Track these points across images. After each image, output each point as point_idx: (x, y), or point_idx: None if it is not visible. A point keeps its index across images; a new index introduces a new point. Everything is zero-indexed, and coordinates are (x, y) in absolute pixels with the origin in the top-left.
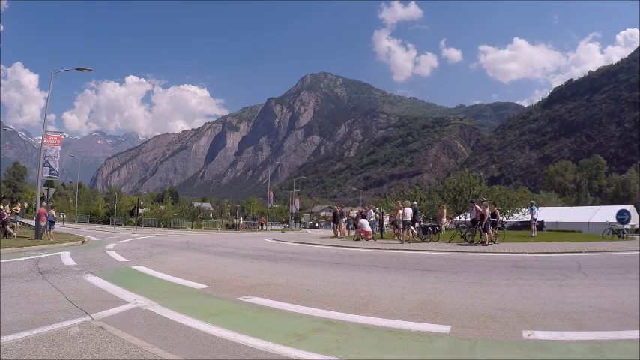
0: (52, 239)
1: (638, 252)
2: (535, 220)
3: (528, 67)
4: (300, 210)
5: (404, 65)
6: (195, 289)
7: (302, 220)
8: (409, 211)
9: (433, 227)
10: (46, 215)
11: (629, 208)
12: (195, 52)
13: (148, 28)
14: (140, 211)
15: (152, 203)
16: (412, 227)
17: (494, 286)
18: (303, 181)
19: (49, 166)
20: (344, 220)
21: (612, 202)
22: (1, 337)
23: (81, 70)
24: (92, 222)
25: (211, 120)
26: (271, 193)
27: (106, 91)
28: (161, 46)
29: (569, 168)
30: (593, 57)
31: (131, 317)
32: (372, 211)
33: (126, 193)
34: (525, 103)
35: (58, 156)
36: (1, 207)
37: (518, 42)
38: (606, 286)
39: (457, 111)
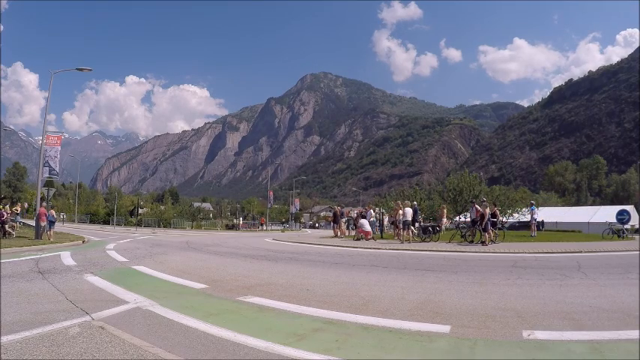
0: (52, 239)
1: (638, 252)
2: (535, 220)
3: (528, 67)
4: (300, 210)
5: (404, 65)
6: (195, 289)
7: (302, 220)
8: (409, 211)
9: (433, 227)
10: (46, 215)
11: (629, 208)
12: (195, 52)
13: (148, 28)
14: (140, 211)
15: (152, 203)
16: (412, 227)
17: (494, 286)
18: (303, 181)
19: (49, 166)
20: (344, 220)
21: (612, 202)
22: (1, 337)
23: (81, 70)
24: (92, 222)
25: (211, 120)
26: (271, 193)
27: (106, 91)
28: (161, 46)
29: (569, 168)
30: (593, 57)
31: (131, 317)
32: (372, 211)
33: (126, 193)
34: (525, 103)
35: (58, 156)
36: (1, 207)
37: (518, 42)
38: (606, 286)
39: (457, 111)
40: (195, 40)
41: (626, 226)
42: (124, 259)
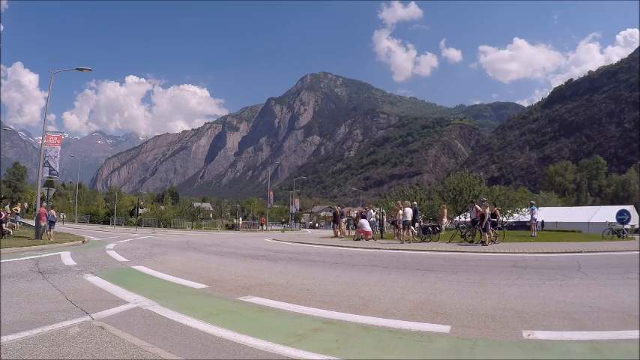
0: (52, 239)
1: (638, 252)
2: (535, 220)
3: (528, 67)
4: (300, 210)
5: (404, 65)
6: (195, 289)
7: (302, 220)
8: (409, 211)
9: (433, 227)
10: (46, 215)
11: (629, 208)
12: (195, 52)
13: (148, 28)
14: (140, 211)
15: (152, 203)
16: (412, 227)
17: (494, 286)
18: (303, 181)
19: (49, 166)
20: (344, 220)
21: (612, 202)
22: (1, 337)
23: (81, 70)
24: (92, 222)
25: (211, 120)
26: (271, 193)
27: (106, 91)
28: (161, 46)
29: (569, 168)
30: (593, 57)
31: (131, 317)
32: (372, 211)
33: (126, 193)
34: (525, 103)
35: (58, 156)
36: (0, 206)
37: (518, 42)
38: (606, 286)
39: (457, 111)
40: (195, 40)
41: (626, 226)
42: (124, 259)
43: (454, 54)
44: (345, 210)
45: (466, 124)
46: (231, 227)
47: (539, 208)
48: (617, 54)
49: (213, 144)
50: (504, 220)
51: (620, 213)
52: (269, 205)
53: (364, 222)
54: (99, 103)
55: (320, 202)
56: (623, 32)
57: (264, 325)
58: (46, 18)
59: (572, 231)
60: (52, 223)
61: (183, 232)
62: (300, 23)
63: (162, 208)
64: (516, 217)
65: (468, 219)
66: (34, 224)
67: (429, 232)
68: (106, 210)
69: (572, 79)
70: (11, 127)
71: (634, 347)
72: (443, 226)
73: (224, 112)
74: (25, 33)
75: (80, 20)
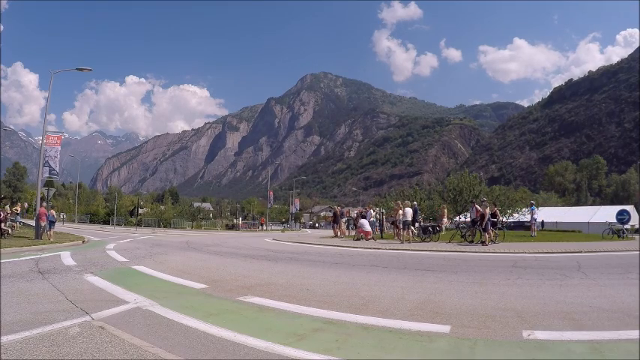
0: (52, 239)
1: (638, 252)
2: (535, 220)
3: (528, 67)
4: (300, 210)
5: (404, 65)
6: (195, 289)
7: (302, 220)
8: (409, 211)
9: (433, 227)
10: (46, 215)
11: (629, 208)
12: (195, 52)
13: (148, 28)
14: (140, 211)
15: (152, 203)
16: (412, 227)
17: (494, 286)
18: (303, 181)
19: (49, 166)
20: (344, 220)
21: (612, 202)
22: (1, 337)
23: (81, 70)
24: (92, 222)
25: (211, 120)
26: (271, 193)
27: (106, 91)
28: (161, 46)
29: (569, 168)
30: (593, 57)
31: (131, 317)
32: (372, 211)
33: (126, 193)
34: (525, 103)
35: (58, 156)
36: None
37: (518, 42)
38: (606, 286)
39: (457, 111)
40: (195, 40)
41: (626, 226)
42: (124, 259)
43: (454, 54)
44: (345, 210)
45: (466, 124)
46: (231, 227)
47: (539, 208)
48: (617, 54)
49: (213, 144)
50: (504, 220)
51: (620, 213)
52: (269, 205)
53: (364, 222)
54: (99, 103)
55: (320, 202)
56: (623, 32)
57: (264, 325)
58: (46, 18)
59: (572, 231)
60: (52, 223)
61: (183, 232)
62: (300, 23)
63: (163, 208)
64: (516, 217)
65: (468, 219)
66: (34, 224)
67: (429, 232)
68: (106, 210)
69: (572, 79)
70: (11, 127)
71: (634, 347)
72: (443, 226)
73: (224, 112)
74: (25, 33)
75: (80, 20)
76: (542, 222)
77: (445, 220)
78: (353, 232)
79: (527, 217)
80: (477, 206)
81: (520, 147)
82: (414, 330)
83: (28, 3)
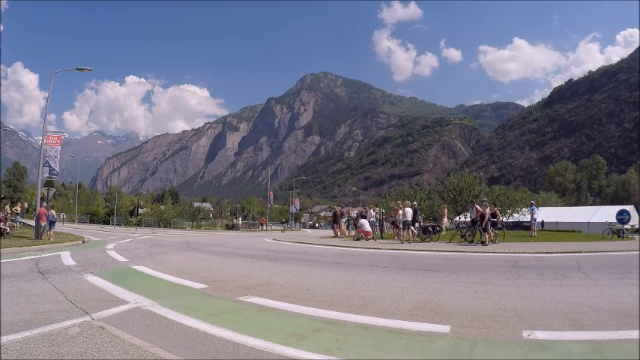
0: (52, 239)
1: (638, 252)
2: (535, 220)
3: (528, 67)
4: (300, 210)
5: (404, 65)
6: (195, 289)
7: (302, 220)
8: (409, 211)
9: (433, 227)
10: (46, 215)
11: (629, 208)
12: (195, 52)
13: (148, 28)
14: (140, 211)
15: (152, 203)
16: (412, 227)
17: (494, 286)
18: (303, 181)
19: (49, 166)
20: (344, 220)
21: (612, 202)
22: (1, 337)
23: (81, 70)
24: (92, 222)
25: (211, 120)
26: (271, 193)
27: (106, 91)
28: (161, 46)
29: (569, 168)
30: (593, 57)
31: (131, 317)
32: (372, 211)
33: (126, 193)
34: (525, 103)
35: (58, 156)
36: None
37: (518, 42)
38: (606, 286)
39: (457, 111)
40: (195, 40)
41: (626, 226)
42: (124, 259)
43: (454, 54)
44: (345, 210)
45: (466, 124)
46: (231, 227)
47: (539, 208)
48: (617, 54)
49: (213, 144)
50: (504, 220)
51: (620, 213)
52: (269, 205)
53: (364, 222)
54: (99, 103)
55: (320, 202)
56: (623, 32)
57: (264, 325)
58: (46, 18)
59: (572, 231)
60: (52, 223)
61: (183, 232)
62: (300, 23)
63: (163, 208)
64: (516, 217)
65: (468, 219)
66: (34, 224)
67: (429, 232)
68: (106, 210)
69: (572, 79)
70: (11, 127)
71: (634, 347)
72: (443, 226)
73: (224, 112)
74: (25, 33)
75: (80, 20)
76: (542, 222)
77: (445, 220)
78: (353, 232)
79: (527, 217)
80: (476, 206)
81: (520, 147)
82: (414, 330)
83: (28, 3)
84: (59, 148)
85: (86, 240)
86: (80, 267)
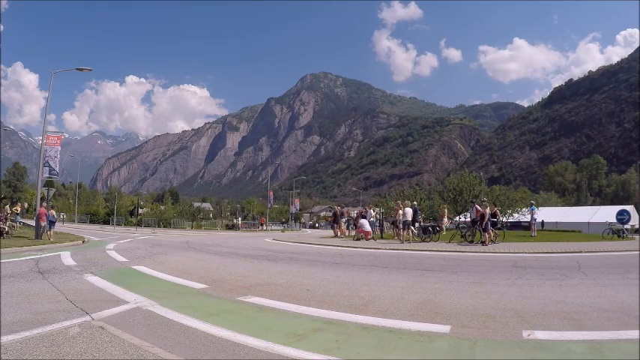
0: (52, 239)
1: (638, 252)
2: (535, 220)
3: (528, 67)
4: (300, 210)
5: (404, 65)
6: (195, 289)
7: (302, 220)
8: (409, 211)
9: (433, 227)
10: (46, 215)
11: (629, 208)
12: (195, 52)
13: (148, 28)
14: (140, 211)
15: (152, 203)
16: (412, 227)
17: (494, 286)
18: (303, 181)
19: (49, 166)
20: (344, 220)
21: (612, 202)
22: (1, 337)
23: (81, 70)
24: (92, 222)
25: (211, 120)
26: (271, 193)
27: (106, 91)
28: (161, 46)
29: (569, 168)
30: (593, 57)
31: (131, 317)
32: (372, 211)
33: (126, 193)
34: (525, 103)
35: (58, 156)
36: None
37: (518, 42)
38: (606, 286)
39: (457, 111)
40: (195, 40)
41: (626, 226)
42: (124, 259)
43: (454, 54)
44: (345, 210)
45: (466, 124)
46: (231, 227)
47: (539, 208)
48: (617, 54)
49: (213, 144)
50: (504, 220)
51: (620, 213)
52: (269, 205)
53: (364, 222)
54: (99, 103)
55: (320, 202)
56: (623, 32)
57: (264, 325)
58: (46, 18)
59: (572, 231)
60: (52, 223)
61: (183, 232)
62: (300, 23)
63: (163, 208)
64: (516, 217)
65: (468, 219)
66: (34, 224)
67: (429, 232)
68: (106, 210)
69: (572, 79)
70: (11, 127)
71: (634, 347)
72: (444, 226)
73: (224, 112)
74: (25, 33)
75: (80, 20)
76: (542, 222)
77: (445, 220)
78: (353, 232)
79: (527, 217)
80: (477, 206)
81: (520, 147)
82: (414, 330)
83: (28, 3)
84: (59, 148)
85: (86, 240)
86: (80, 267)
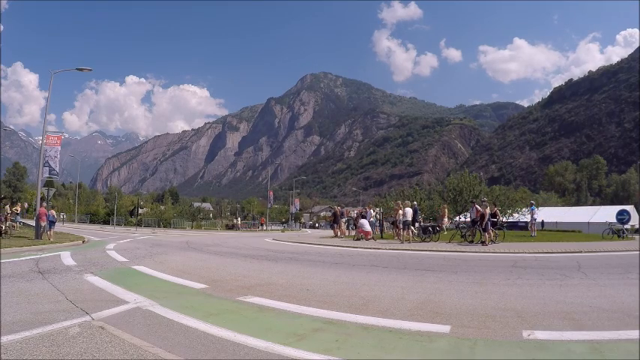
0: (52, 239)
1: (638, 252)
2: (535, 220)
3: (528, 67)
4: (300, 210)
5: (404, 65)
6: (195, 289)
7: (302, 220)
8: (409, 211)
9: (433, 227)
10: (46, 215)
11: (629, 208)
12: (195, 52)
13: (148, 28)
14: (140, 211)
15: (152, 203)
16: (412, 227)
17: (494, 286)
18: (303, 181)
19: (49, 166)
20: (344, 220)
21: (612, 202)
22: (1, 337)
23: (81, 70)
24: (92, 222)
25: (211, 120)
26: (271, 193)
27: (106, 91)
28: (161, 46)
29: (569, 168)
30: (593, 57)
31: (131, 317)
32: (372, 211)
33: (126, 193)
34: (525, 103)
35: (58, 156)
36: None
37: (518, 42)
38: (606, 286)
39: (457, 111)
40: (195, 40)
41: (626, 226)
42: (124, 259)
43: (454, 54)
44: (345, 210)
45: (466, 124)
46: (231, 227)
47: (539, 208)
48: (617, 54)
49: (213, 144)
50: (505, 220)
51: (620, 213)
52: (269, 205)
53: (364, 222)
54: (99, 103)
55: (320, 202)
56: (623, 32)
57: (264, 325)
58: (46, 18)
59: (572, 231)
60: (52, 223)
61: (183, 232)
62: (300, 23)
63: (163, 208)
64: (516, 217)
65: (468, 219)
66: (34, 224)
67: (429, 232)
68: (106, 210)
69: (572, 79)
70: (11, 127)
71: (634, 347)
72: (444, 226)
73: (224, 112)
74: (25, 33)
75: (80, 20)
76: (542, 222)
77: (445, 220)
78: (353, 232)
79: (528, 217)
80: (477, 206)
81: (520, 147)
82: (414, 330)
83: (28, 3)
84: (59, 148)
85: (86, 240)
86: (80, 267)
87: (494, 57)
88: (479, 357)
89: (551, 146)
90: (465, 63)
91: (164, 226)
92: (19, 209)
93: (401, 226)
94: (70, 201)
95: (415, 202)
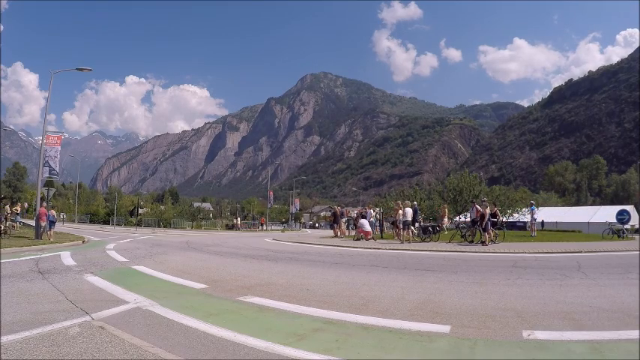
0: (52, 239)
1: (638, 252)
2: (535, 220)
3: (528, 67)
4: (300, 210)
5: (404, 65)
6: (195, 289)
7: (302, 220)
8: (409, 211)
9: (433, 227)
10: (46, 215)
11: (629, 208)
12: (195, 52)
13: (148, 28)
14: (140, 211)
15: (152, 203)
16: (412, 227)
17: (494, 286)
18: (303, 181)
19: (49, 166)
20: (344, 220)
21: (612, 202)
22: (1, 337)
23: (81, 70)
24: (92, 222)
25: (211, 120)
26: (271, 193)
27: (106, 91)
28: (161, 46)
29: (569, 168)
30: (593, 57)
31: (131, 317)
32: (372, 211)
33: (126, 193)
34: (525, 103)
35: (58, 156)
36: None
37: (518, 42)
38: (606, 286)
39: (457, 111)
40: (195, 40)
41: (626, 226)
42: (124, 259)
43: (454, 54)
44: (345, 210)
45: (466, 124)
46: (231, 227)
47: (539, 208)
48: (617, 54)
49: (213, 144)
50: (505, 220)
51: (620, 213)
52: (269, 205)
53: (364, 222)
54: (99, 103)
55: (320, 202)
56: (623, 32)
57: (264, 325)
58: (46, 18)
59: (572, 231)
60: (52, 223)
61: (183, 232)
62: (300, 23)
63: (163, 208)
64: (516, 217)
65: (468, 219)
66: (34, 224)
67: (429, 232)
68: (106, 210)
69: (572, 79)
70: (11, 127)
71: (634, 347)
72: (444, 226)
73: (224, 112)
74: (25, 33)
75: (80, 20)
76: (542, 222)
77: (445, 220)
78: (353, 232)
79: (527, 217)
80: (477, 206)
81: (520, 147)
82: (414, 330)
83: (28, 3)
84: (59, 148)
85: (86, 240)
86: (80, 267)
87: (494, 57)
88: (479, 357)
89: (551, 146)
90: (465, 63)
91: (164, 226)
92: (19, 209)
93: (401, 226)
94: (70, 201)
95: (415, 202)
